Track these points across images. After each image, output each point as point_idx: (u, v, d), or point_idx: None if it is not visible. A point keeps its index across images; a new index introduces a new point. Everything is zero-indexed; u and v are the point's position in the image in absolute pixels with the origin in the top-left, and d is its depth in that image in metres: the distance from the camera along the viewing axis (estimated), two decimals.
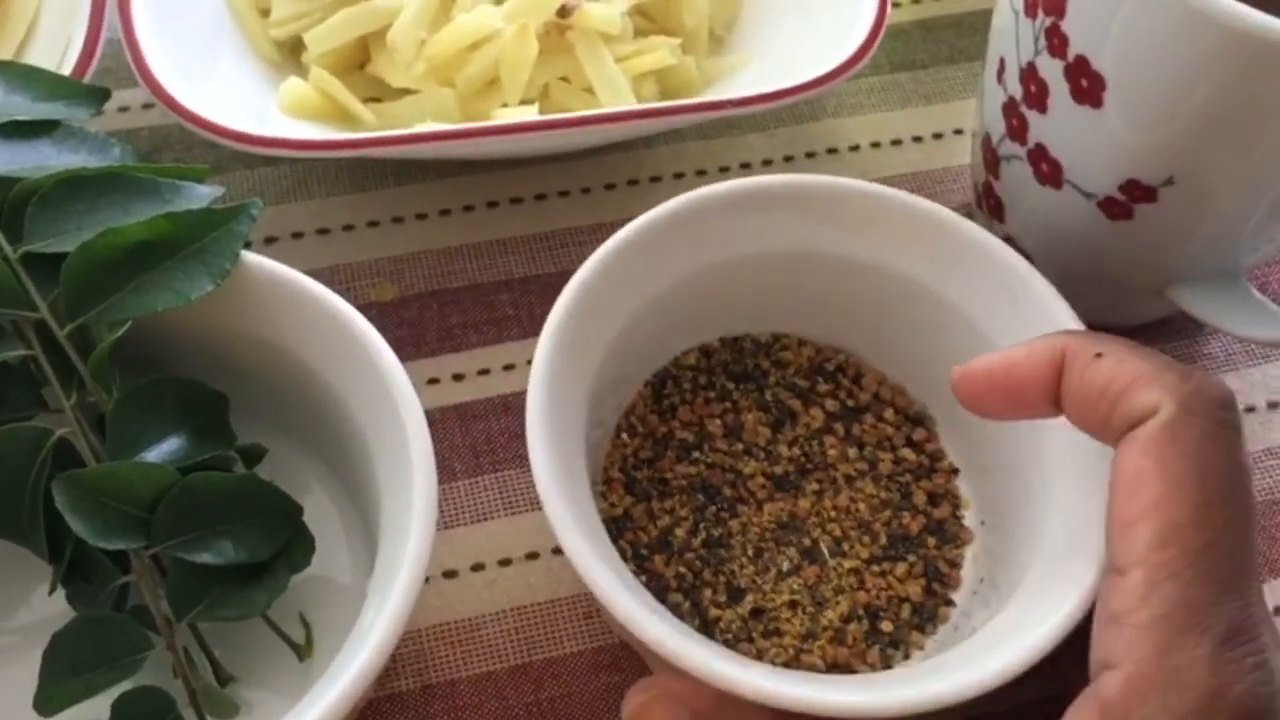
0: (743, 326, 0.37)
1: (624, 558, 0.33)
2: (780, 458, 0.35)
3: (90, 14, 0.37)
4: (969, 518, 0.35)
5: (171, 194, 0.31)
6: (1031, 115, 0.34)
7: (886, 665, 0.32)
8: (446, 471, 0.36)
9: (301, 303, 0.31)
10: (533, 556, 0.35)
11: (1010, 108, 0.35)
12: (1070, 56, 0.31)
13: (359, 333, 0.31)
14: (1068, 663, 0.27)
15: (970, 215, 0.42)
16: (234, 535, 0.30)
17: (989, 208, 0.39)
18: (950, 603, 0.34)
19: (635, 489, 0.35)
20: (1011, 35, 0.34)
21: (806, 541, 0.34)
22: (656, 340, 0.36)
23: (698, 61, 0.42)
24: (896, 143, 0.45)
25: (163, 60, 0.36)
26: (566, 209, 0.42)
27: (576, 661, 0.34)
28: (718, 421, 0.36)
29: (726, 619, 0.33)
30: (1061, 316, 0.32)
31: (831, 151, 0.44)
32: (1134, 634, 0.23)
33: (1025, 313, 0.33)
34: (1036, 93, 0.33)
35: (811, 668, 0.32)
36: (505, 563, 0.35)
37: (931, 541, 0.34)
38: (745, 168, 0.44)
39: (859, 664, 0.32)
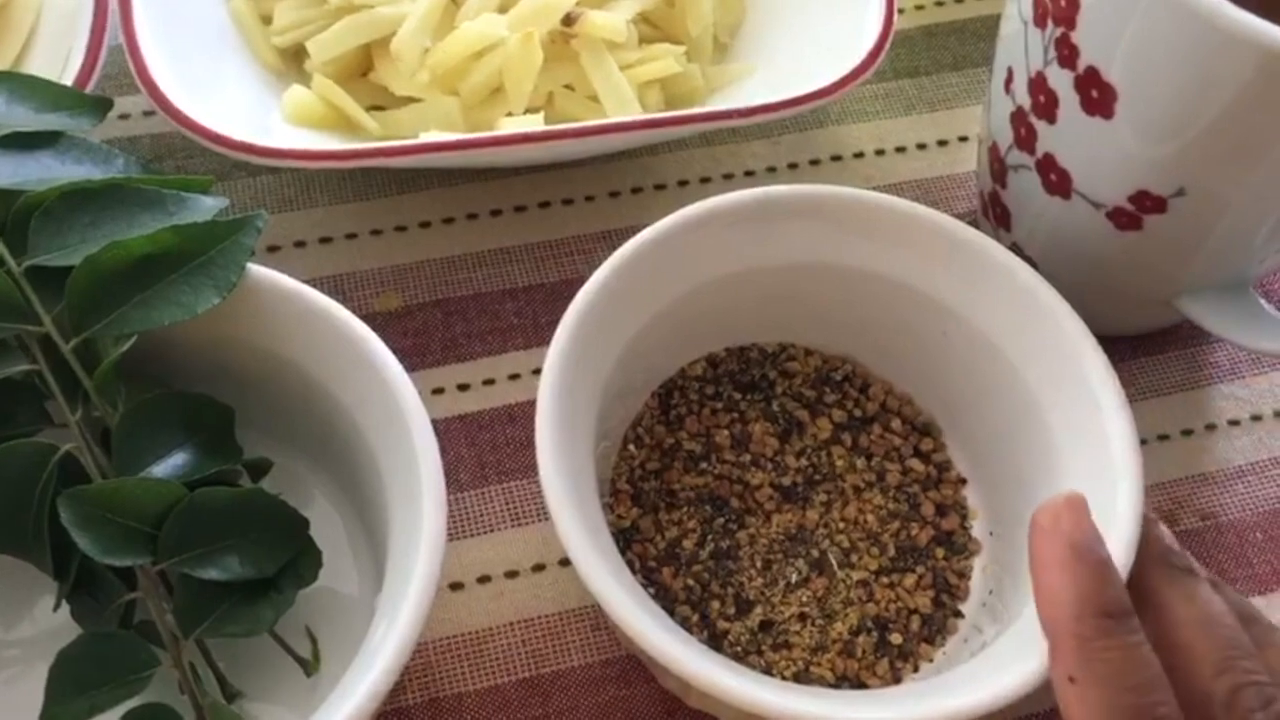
0: (749, 336, 0.37)
1: (632, 570, 0.33)
2: (788, 468, 0.35)
3: (92, 24, 0.36)
4: (977, 528, 0.35)
5: (176, 206, 0.31)
6: (1040, 125, 0.34)
7: (896, 678, 0.32)
8: (453, 482, 0.36)
9: (307, 315, 0.31)
10: (539, 568, 0.35)
11: (1018, 117, 0.35)
12: (1080, 67, 0.31)
13: (365, 346, 0.30)
14: None
15: (975, 223, 0.42)
16: (240, 550, 0.30)
17: (995, 216, 0.39)
18: (959, 614, 0.34)
19: (643, 500, 0.34)
20: (1020, 45, 0.34)
21: (815, 553, 0.34)
22: (663, 351, 0.36)
23: (702, 69, 0.42)
24: (901, 150, 0.44)
25: (165, 69, 0.36)
26: (570, 217, 0.42)
27: (584, 674, 0.33)
28: (725, 432, 0.36)
29: (735, 632, 0.32)
30: (1070, 328, 0.32)
31: (836, 158, 0.44)
32: None
33: (1034, 324, 0.33)
34: (1046, 103, 0.33)
35: (820, 680, 0.32)
36: (512, 574, 0.35)
37: (940, 553, 0.34)
38: (749, 175, 0.43)
39: (868, 677, 0.32)
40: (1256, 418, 0.39)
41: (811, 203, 0.34)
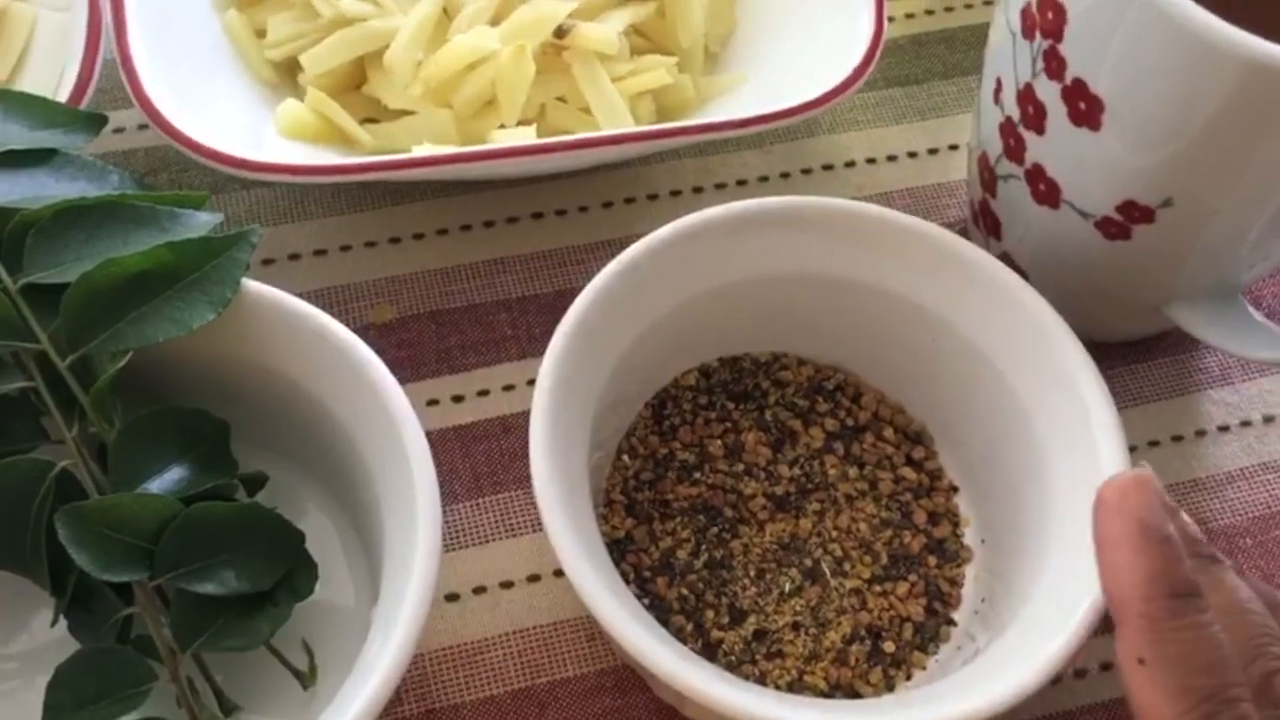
0: (742, 346, 0.38)
1: (626, 580, 0.33)
2: (781, 478, 0.36)
3: (86, 40, 0.37)
4: (969, 536, 0.35)
5: (171, 222, 0.31)
6: (1029, 136, 0.34)
7: (889, 686, 0.33)
8: (448, 494, 0.36)
9: (302, 330, 0.31)
10: (534, 579, 0.35)
11: (1007, 128, 0.35)
12: (1068, 79, 0.31)
13: (360, 359, 0.31)
14: None
15: (966, 231, 0.42)
16: (237, 565, 0.30)
17: (985, 225, 0.39)
18: (952, 622, 0.34)
19: (637, 511, 0.35)
20: (1009, 56, 0.34)
21: (808, 562, 0.34)
22: (657, 361, 0.36)
23: (694, 80, 0.42)
24: (892, 158, 0.45)
25: (159, 84, 0.36)
26: (564, 228, 0.42)
27: (579, 684, 0.34)
28: (718, 442, 0.36)
29: (729, 641, 0.33)
30: (1058, 336, 0.32)
31: (827, 168, 0.44)
32: None
33: (1022, 332, 0.33)
34: (1034, 114, 0.33)
35: (814, 689, 0.32)
36: (507, 585, 0.35)
37: (932, 560, 0.35)
38: (741, 185, 0.44)
39: (862, 685, 0.32)
40: (1246, 423, 0.40)
41: (802, 214, 0.35)
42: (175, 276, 0.30)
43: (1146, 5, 0.29)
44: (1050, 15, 0.31)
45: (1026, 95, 0.33)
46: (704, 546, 0.34)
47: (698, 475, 0.35)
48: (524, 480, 0.37)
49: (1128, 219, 0.33)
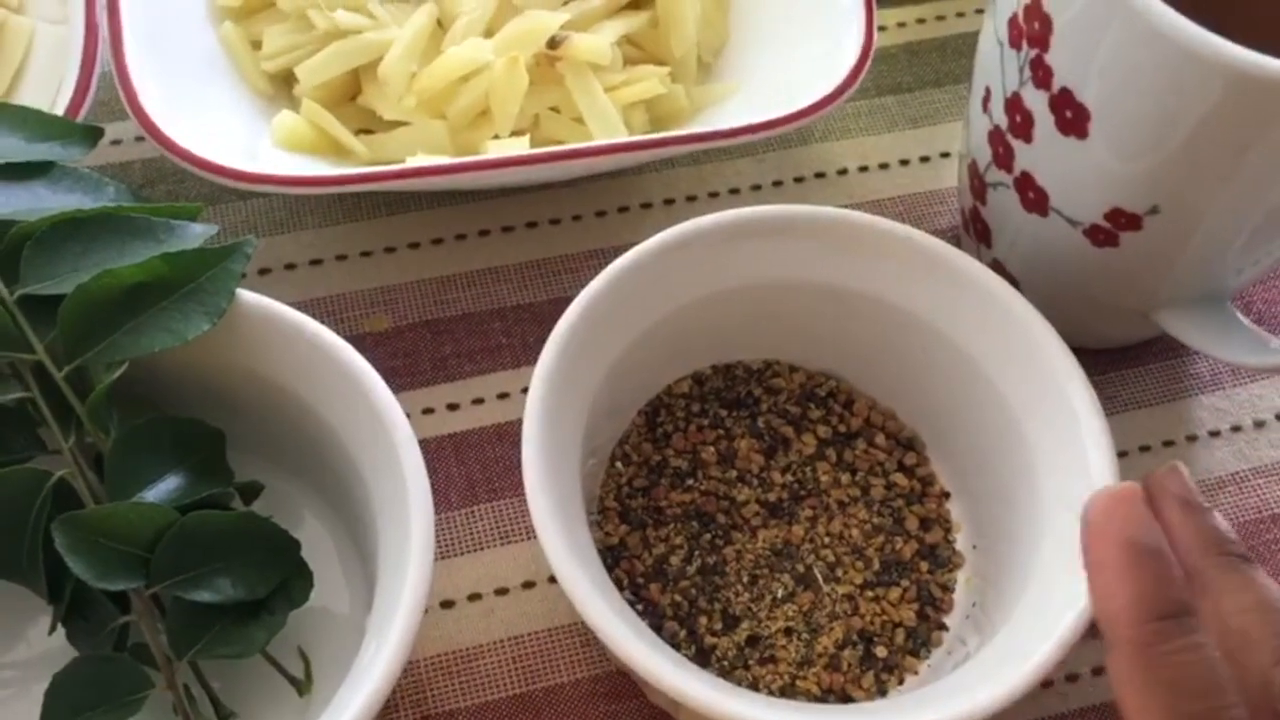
0: (734, 354, 0.38)
1: (620, 587, 0.33)
2: (774, 484, 0.36)
3: (83, 54, 0.37)
4: (960, 541, 0.35)
5: (166, 233, 0.32)
6: (1017, 144, 0.34)
7: (881, 690, 0.33)
8: (442, 501, 0.37)
9: (296, 339, 0.32)
10: (529, 585, 0.35)
11: (996, 136, 0.35)
12: (1055, 88, 0.32)
13: (354, 369, 0.31)
14: None
15: (957, 239, 0.42)
16: (233, 573, 0.30)
17: (976, 232, 0.40)
18: (943, 627, 0.34)
19: (630, 518, 0.35)
20: (996, 65, 0.35)
21: (801, 568, 0.34)
22: (650, 369, 0.36)
23: (687, 89, 0.42)
24: (884, 166, 0.45)
25: (155, 96, 0.37)
26: (558, 236, 0.42)
27: (575, 690, 0.34)
28: (711, 449, 0.36)
29: (722, 647, 0.33)
30: (1046, 342, 0.33)
31: (820, 176, 0.45)
32: None
33: (1011, 339, 0.33)
34: (1022, 122, 0.34)
35: (807, 694, 0.32)
36: (502, 592, 0.35)
37: (924, 566, 0.35)
38: (735, 193, 0.44)
39: (854, 690, 0.33)
40: (1237, 428, 0.40)
41: (793, 222, 0.35)
42: (170, 287, 0.31)
43: (1132, 15, 0.29)
44: (1037, 25, 0.32)
45: (1014, 104, 0.34)
46: (697, 553, 0.34)
47: (691, 482, 0.36)
48: (518, 488, 0.37)
49: (1115, 226, 0.33)
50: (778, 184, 0.44)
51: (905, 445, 0.37)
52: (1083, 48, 0.31)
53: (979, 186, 0.38)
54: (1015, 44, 0.33)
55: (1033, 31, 0.32)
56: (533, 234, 0.42)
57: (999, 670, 0.29)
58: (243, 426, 0.33)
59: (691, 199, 0.44)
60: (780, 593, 0.34)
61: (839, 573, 0.34)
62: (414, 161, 0.38)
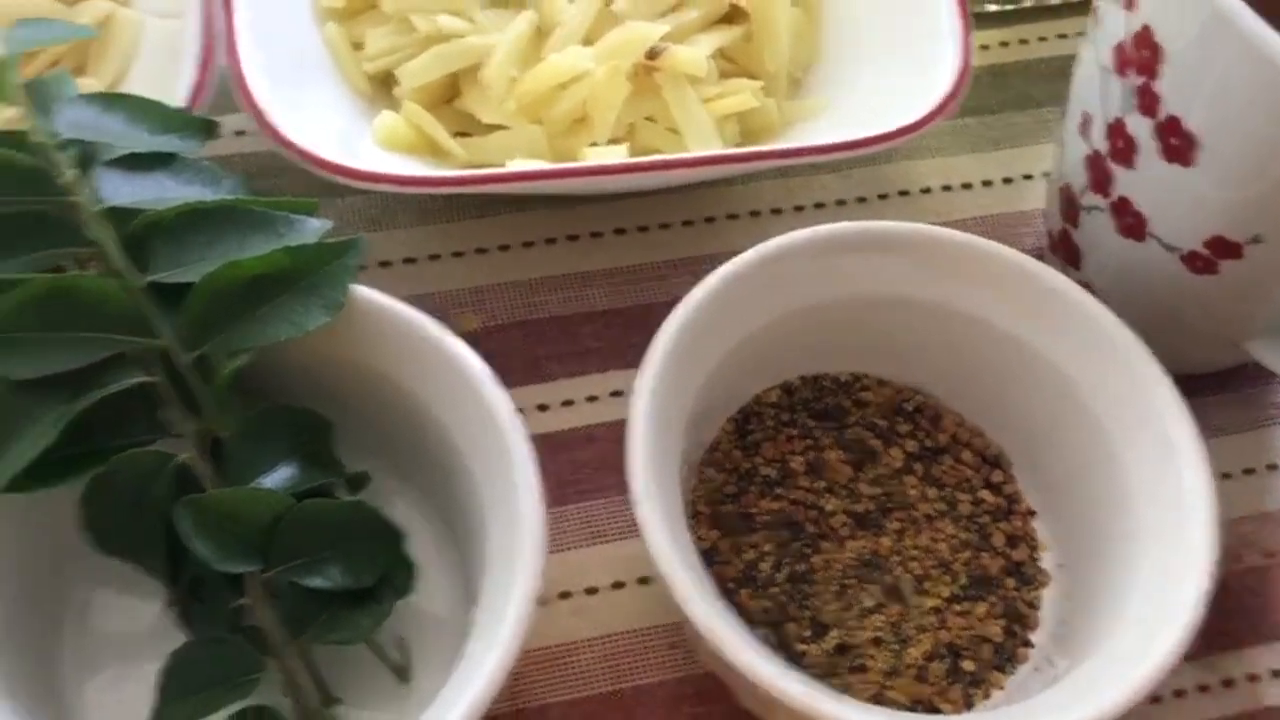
0: (823, 365, 0.38)
1: None
2: (861, 496, 0.36)
3: (200, 48, 0.38)
4: (1047, 560, 0.36)
5: (285, 227, 0.32)
6: (1117, 169, 0.35)
7: (968, 704, 0.33)
8: None
9: (408, 333, 0.32)
10: (619, 586, 0.36)
11: (1094, 161, 0.36)
12: (1162, 116, 0.32)
13: (465, 364, 0.31)
14: None
15: (1041, 259, 0.43)
16: (342, 560, 0.31)
17: (1064, 254, 0.40)
18: (1029, 644, 0.34)
19: (721, 523, 0.35)
20: (1097, 91, 0.35)
21: (889, 579, 0.35)
22: (740, 378, 0.37)
23: (778, 103, 0.43)
24: (967, 186, 0.45)
25: (268, 93, 0.38)
26: (646, 244, 0.43)
27: (663, 690, 0.34)
28: (800, 459, 0.37)
29: (812, 654, 0.33)
30: (1145, 367, 0.33)
31: (903, 193, 0.45)
32: None
33: (1108, 361, 0.34)
34: (1124, 148, 0.34)
35: (895, 704, 0.33)
36: (592, 591, 0.36)
37: (1011, 583, 0.35)
38: (820, 207, 0.45)
39: (941, 702, 0.33)
40: None
41: (887, 238, 0.35)
42: (290, 280, 0.31)
43: (1243, 44, 0.29)
44: (1146, 54, 0.32)
45: (1117, 130, 0.34)
46: (786, 560, 0.35)
47: (780, 490, 0.36)
48: (606, 489, 0.38)
49: (1215, 254, 0.34)
50: (862, 200, 0.45)
51: (992, 463, 0.37)
52: (1193, 76, 0.31)
53: (1071, 210, 0.38)
54: (1121, 71, 0.34)
55: (1141, 60, 0.32)
56: (621, 240, 0.43)
57: (1090, 693, 0.29)
58: (346, 417, 0.34)
59: (777, 211, 0.44)
60: (869, 603, 0.34)
61: (926, 585, 0.35)
62: (518, 165, 0.38)
